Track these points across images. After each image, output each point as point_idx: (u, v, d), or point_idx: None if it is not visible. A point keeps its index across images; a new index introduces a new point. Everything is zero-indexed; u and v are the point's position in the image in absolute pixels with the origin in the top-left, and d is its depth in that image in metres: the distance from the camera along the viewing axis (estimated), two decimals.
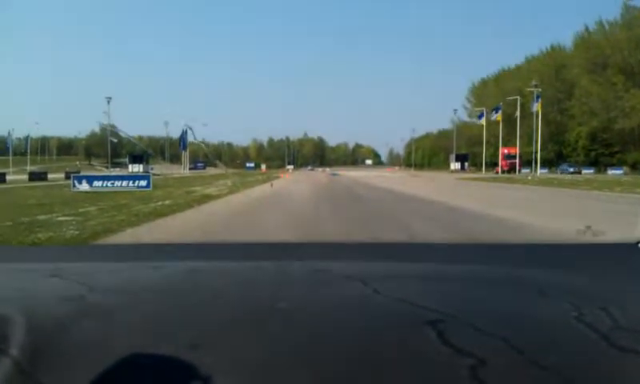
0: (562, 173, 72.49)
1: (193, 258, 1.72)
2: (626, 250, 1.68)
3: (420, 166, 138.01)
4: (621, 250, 1.75)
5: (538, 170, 68.55)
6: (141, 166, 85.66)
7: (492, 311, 1.16)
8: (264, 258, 1.70)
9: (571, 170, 74.94)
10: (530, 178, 52.87)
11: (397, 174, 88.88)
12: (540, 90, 70.70)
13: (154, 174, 44.74)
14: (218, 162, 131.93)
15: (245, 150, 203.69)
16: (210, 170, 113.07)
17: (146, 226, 12.02)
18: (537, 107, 68.87)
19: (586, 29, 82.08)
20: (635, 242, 1.67)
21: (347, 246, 2.20)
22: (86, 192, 26.53)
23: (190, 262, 1.62)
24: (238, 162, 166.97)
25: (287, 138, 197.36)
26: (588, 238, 5.61)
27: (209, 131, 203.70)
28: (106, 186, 28.66)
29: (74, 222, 12.57)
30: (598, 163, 77.52)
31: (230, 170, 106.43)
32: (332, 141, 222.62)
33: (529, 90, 72.15)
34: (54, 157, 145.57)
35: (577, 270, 1.47)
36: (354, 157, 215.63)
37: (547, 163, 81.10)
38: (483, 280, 1.39)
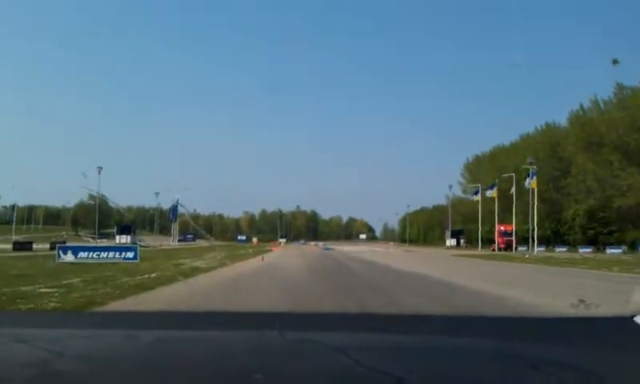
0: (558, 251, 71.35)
1: (171, 327, 1.70)
2: (621, 324, 1.63)
3: (415, 241, 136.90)
4: (616, 323, 1.69)
5: (535, 248, 67.11)
6: (129, 236, 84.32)
7: None
8: (246, 327, 1.71)
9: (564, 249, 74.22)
10: (527, 255, 51.95)
11: (391, 249, 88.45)
12: (535, 167, 70.20)
13: (141, 246, 43.12)
14: (206, 234, 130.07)
15: (236, 221, 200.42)
16: (201, 243, 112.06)
17: (131, 300, 11.85)
18: (532, 184, 68.18)
19: (581, 107, 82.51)
20: (630, 316, 1.62)
21: (333, 316, 2.17)
22: (71, 263, 25.53)
23: (168, 330, 1.60)
24: (229, 234, 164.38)
25: (279, 211, 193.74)
26: (582, 312, 5.36)
27: (200, 202, 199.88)
28: (92, 257, 27.40)
29: (56, 294, 12.45)
30: (597, 242, 76.22)
31: (220, 243, 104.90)
32: (325, 214, 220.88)
33: (524, 167, 71.48)
34: (40, 226, 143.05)
35: (570, 344, 1.46)
36: (347, 230, 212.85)
37: (544, 241, 79.72)
38: (473, 353, 1.37)
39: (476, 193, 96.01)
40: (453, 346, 1.43)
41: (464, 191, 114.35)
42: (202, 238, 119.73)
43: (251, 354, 1.32)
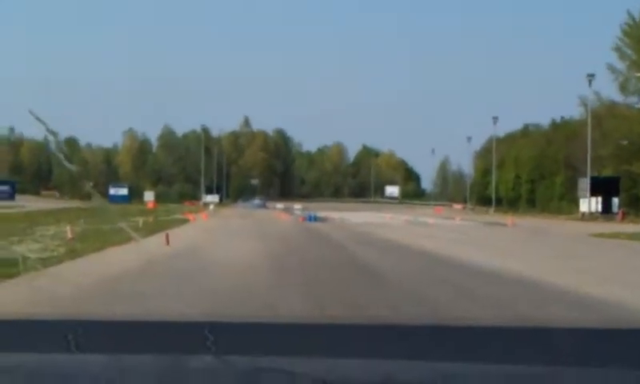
0: None
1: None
2: None
3: (511, 201, 75.04)
4: None
5: None
6: None
7: None
8: (156, 346, 1.36)
9: None
10: None
11: (457, 221, 47.70)
12: None
13: None
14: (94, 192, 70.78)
15: (108, 155, 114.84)
16: (26, 201, 58.16)
17: None
18: None
19: None
20: None
21: (314, 327, 1.65)
22: None
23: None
24: (91, 183, 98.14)
25: (203, 130, 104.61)
26: None
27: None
28: None
29: None
30: None
31: (70, 205, 51.14)
32: (309, 140, 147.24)
33: None
34: None
35: None
36: (359, 178, 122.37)
37: None
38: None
39: None
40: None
41: (622, 88, 54.68)
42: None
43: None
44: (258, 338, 1.40)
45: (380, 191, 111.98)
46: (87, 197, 75.33)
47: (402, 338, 1.41)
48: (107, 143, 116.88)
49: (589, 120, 54.06)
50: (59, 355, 1.31)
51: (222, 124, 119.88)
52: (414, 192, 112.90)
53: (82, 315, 1.97)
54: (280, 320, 1.95)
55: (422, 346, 1.34)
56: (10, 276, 10.37)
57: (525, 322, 2.30)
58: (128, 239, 17.98)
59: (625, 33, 53.73)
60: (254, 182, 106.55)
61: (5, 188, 64.49)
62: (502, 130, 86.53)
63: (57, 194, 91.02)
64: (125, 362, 1.26)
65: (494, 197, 76.42)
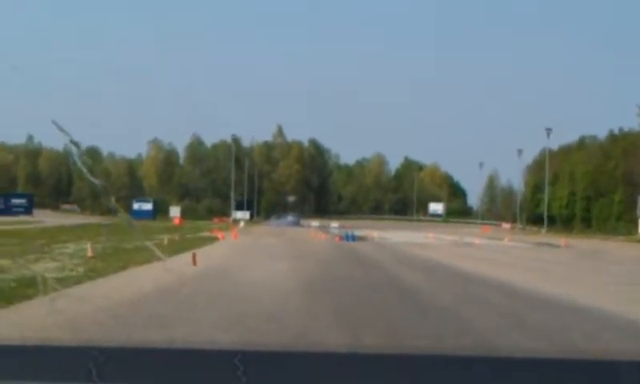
0: None
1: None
2: None
3: (565, 220, 71.46)
4: None
5: None
6: None
7: None
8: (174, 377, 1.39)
9: None
10: None
11: (506, 241, 46.22)
12: None
13: None
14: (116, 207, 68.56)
15: (129, 165, 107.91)
16: (44, 216, 54.27)
17: None
18: None
19: None
20: None
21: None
22: None
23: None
24: (113, 197, 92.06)
25: (234, 141, 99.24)
26: None
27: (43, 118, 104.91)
28: None
29: None
30: None
31: (99, 220, 49.49)
32: (347, 152, 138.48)
33: None
34: None
35: None
36: (400, 193, 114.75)
37: None
38: None
39: None
40: None
41: None
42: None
43: None
44: (289, 368, 1.39)
45: (423, 208, 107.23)
46: (109, 212, 73.14)
47: (440, 369, 1.40)
48: (131, 153, 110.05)
49: None
50: None
51: (254, 133, 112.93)
52: (459, 209, 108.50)
53: (102, 342, 1.84)
54: (312, 349, 1.85)
55: (459, 378, 1.32)
56: (28, 297, 10.32)
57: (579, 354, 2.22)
58: (152, 258, 17.09)
59: None
60: (290, 198, 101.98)
61: (21, 201, 60.51)
62: (555, 143, 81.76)
63: (77, 208, 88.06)
64: None
65: (545, 215, 72.79)
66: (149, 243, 17.27)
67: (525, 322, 10.73)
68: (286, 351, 1.61)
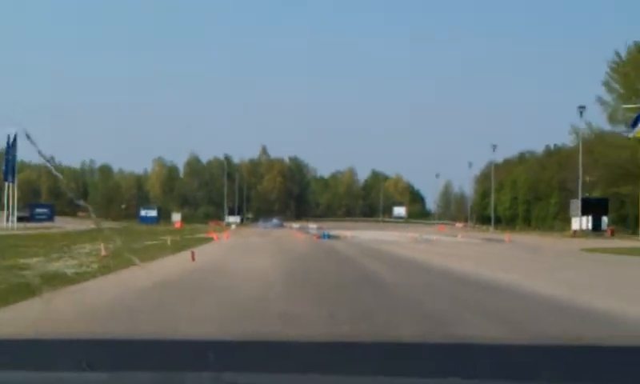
0: None
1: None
2: None
3: (509, 220, 78.64)
4: None
5: None
6: None
7: None
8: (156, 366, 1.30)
9: None
10: None
11: (460, 237, 51.87)
12: None
13: None
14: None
15: (138, 180, 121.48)
16: (64, 222, 59.65)
17: None
18: None
19: None
20: None
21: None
22: None
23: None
24: (123, 206, 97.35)
25: (226, 158, 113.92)
26: None
27: (59, 142, 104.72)
28: None
29: None
30: None
31: (110, 225, 54.86)
32: (323, 166, 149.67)
33: None
34: None
35: None
36: (369, 200, 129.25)
37: None
38: None
39: (638, 121, 48.31)
40: None
41: (610, 118, 57.98)
42: (82, 210, 67.40)
43: None
44: (259, 355, 1.38)
45: (388, 212, 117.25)
46: (124, 216, 79.86)
47: (407, 356, 1.42)
48: (138, 169, 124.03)
49: (580, 147, 57.84)
50: (66, 374, 1.30)
51: (243, 152, 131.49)
52: (419, 212, 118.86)
53: (91, 334, 2.01)
54: (285, 339, 1.94)
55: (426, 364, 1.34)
56: (54, 287, 11.52)
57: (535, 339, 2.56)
58: (156, 256, 20.16)
59: (612, 69, 57.34)
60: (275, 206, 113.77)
61: (44, 210, 69.16)
62: (500, 156, 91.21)
63: (92, 214, 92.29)
64: (124, 380, 1.27)
65: (492, 216, 79.57)
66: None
67: (477, 303, 11.08)
68: (257, 340, 1.70)
